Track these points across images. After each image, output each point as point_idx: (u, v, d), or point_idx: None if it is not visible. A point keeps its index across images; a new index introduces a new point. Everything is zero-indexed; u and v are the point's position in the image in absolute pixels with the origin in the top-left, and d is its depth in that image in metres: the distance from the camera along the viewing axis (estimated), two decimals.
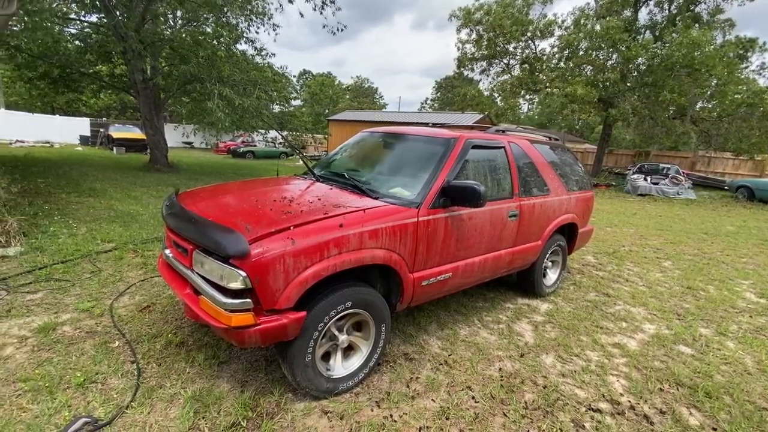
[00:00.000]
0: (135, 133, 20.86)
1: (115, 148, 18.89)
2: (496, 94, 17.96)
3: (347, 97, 57.02)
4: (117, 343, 2.70)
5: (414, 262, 2.52)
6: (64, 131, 22.21)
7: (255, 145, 23.98)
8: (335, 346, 2.37)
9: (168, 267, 2.42)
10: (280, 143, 26.36)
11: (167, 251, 2.34)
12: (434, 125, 3.73)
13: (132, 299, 3.34)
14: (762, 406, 2.50)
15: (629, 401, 2.49)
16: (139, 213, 6.16)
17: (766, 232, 8.54)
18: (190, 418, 2.06)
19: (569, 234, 4.25)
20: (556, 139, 4.24)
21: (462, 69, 18.22)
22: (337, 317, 2.22)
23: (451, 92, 59.66)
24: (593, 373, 2.77)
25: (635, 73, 13.78)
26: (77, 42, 11.21)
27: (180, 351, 2.66)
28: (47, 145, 19.22)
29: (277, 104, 11.43)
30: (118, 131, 20.38)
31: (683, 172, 14.84)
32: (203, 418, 2.09)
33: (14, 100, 20.58)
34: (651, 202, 13.06)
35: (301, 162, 23.01)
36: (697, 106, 16.02)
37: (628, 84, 13.32)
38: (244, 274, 1.84)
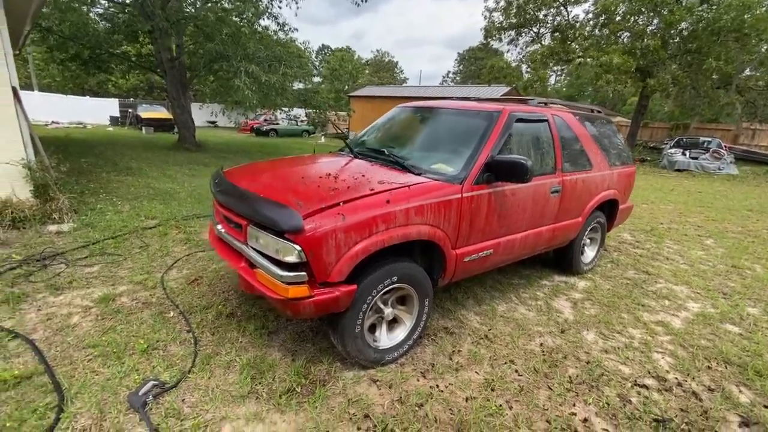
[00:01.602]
0: (162, 112, 21.28)
1: (143, 128, 19.36)
2: (524, 66, 17.18)
3: (367, 72, 55.92)
4: (172, 313, 2.86)
5: (457, 238, 2.52)
6: (95, 112, 22.86)
7: (277, 123, 24.10)
8: (381, 318, 2.43)
9: (220, 241, 2.51)
10: (302, 121, 26.41)
11: (219, 227, 2.42)
12: (457, 99, 3.65)
13: (180, 273, 3.50)
14: None
15: (676, 378, 2.47)
16: (176, 191, 6.36)
17: None
18: (248, 383, 2.18)
19: (609, 210, 4.13)
20: (599, 111, 4.05)
21: (489, 39, 17.46)
22: (383, 291, 2.26)
23: (474, 64, 57.51)
24: (637, 350, 2.75)
25: (677, 39, 12.84)
26: (105, 22, 11.36)
27: (231, 321, 2.80)
28: (80, 126, 19.88)
29: (300, 81, 11.33)
30: (146, 111, 20.84)
31: (725, 146, 14.00)
32: (260, 383, 2.21)
33: (47, 82, 21.25)
34: (689, 178, 12.46)
35: (323, 140, 23.06)
36: (744, 74, 14.90)
37: (669, 51, 12.43)
38: (298, 248, 1.88)
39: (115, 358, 2.34)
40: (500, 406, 2.14)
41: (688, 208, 7.76)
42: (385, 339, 2.45)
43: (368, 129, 3.69)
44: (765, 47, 12.25)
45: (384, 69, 58.49)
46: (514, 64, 17.90)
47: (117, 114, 23.56)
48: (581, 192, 3.45)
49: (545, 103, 3.41)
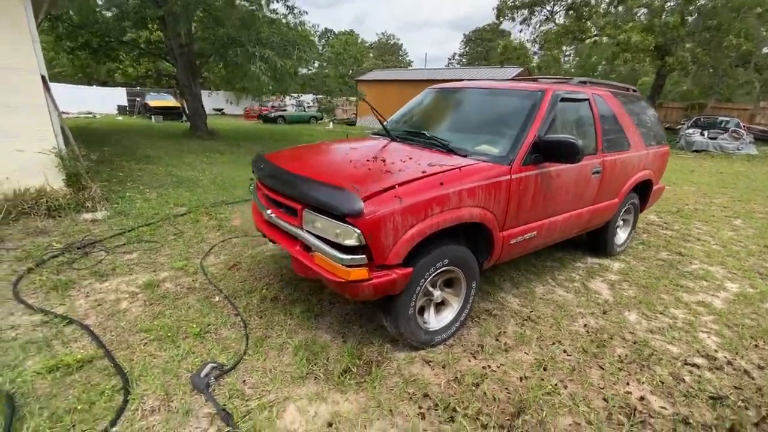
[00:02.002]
0: (170, 100, 21.20)
1: (152, 117, 19.34)
2: (537, 46, 16.76)
3: (371, 55, 55.07)
4: (217, 298, 2.89)
5: (505, 220, 2.51)
6: (103, 101, 22.82)
7: (285, 110, 23.94)
8: (429, 301, 2.45)
9: (269, 225, 2.51)
10: (309, 107, 26.19)
11: (268, 212, 2.42)
12: (468, 80, 3.60)
13: (218, 258, 3.54)
14: None
15: (725, 357, 2.47)
16: (198, 179, 6.38)
17: None
18: (305, 365, 2.22)
19: (642, 191, 4.07)
20: (635, 90, 3.96)
21: (501, 18, 17.00)
22: (435, 273, 2.26)
23: (481, 46, 56.32)
24: (682, 330, 2.75)
25: (696, 16, 12.42)
26: (113, 9, 11.23)
27: (276, 305, 2.83)
28: (90, 115, 19.90)
29: (311, 66, 11.17)
30: (154, 99, 20.78)
31: (743, 126, 13.68)
32: (315, 364, 2.24)
33: (57, 71, 21.18)
34: (708, 159, 12.24)
35: (331, 126, 22.90)
36: (763, 51, 14.42)
37: (687, 29, 12.04)
38: (358, 231, 1.88)
39: (170, 341, 2.38)
40: (555, 385, 2.15)
41: (712, 189, 7.64)
42: (434, 321, 2.46)
43: (402, 112, 3.64)
44: None
45: (389, 52, 57.54)
46: (528, 44, 17.49)
47: (125, 103, 23.53)
48: (620, 173, 3.40)
49: (585, 82, 3.33)
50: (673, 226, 5.14)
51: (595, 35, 14.40)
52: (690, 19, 12.13)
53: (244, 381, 2.10)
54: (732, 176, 9.24)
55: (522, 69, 17.85)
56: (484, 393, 2.07)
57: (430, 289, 2.39)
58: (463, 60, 59.94)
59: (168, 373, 2.13)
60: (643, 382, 2.21)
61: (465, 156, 2.52)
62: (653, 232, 4.90)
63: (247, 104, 25.23)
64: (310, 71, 10.80)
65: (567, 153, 2.39)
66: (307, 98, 25.74)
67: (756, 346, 2.59)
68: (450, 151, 2.60)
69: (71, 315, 2.59)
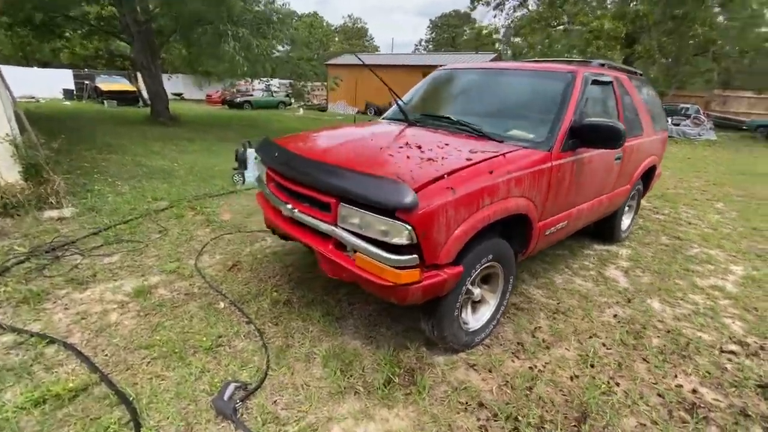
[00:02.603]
0: (124, 84, 19.58)
1: (105, 102, 17.77)
2: (504, 32, 16.77)
3: (337, 39, 53.57)
4: (222, 304, 2.57)
5: (543, 210, 2.35)
6: (45, 84, 20.64)
7: (251, 95, 22.77)
8: (467, 299, 2.27)
9: (289, 222, 2.21)
10: (277, 91, 25.07)
11: (288, 206, 2.12)
12: (441, 67, 3.46)
13: (213, 258, 3.18)
14: None
15: (756, 342, 2.48)
16: (173, 169, 5.83)
17: None
18: (340, 377, 1.98)
19: (645, 176, 4.07)
20: (641, 75, 3.91)
21: (476, 3, 16.80)
22: (479, 270, 2.08)
23: (448, 32, 56.26)
24: (706, 316, 2.74)
25: (663, 4, 12.85)
26: None
27: (290, 309, 2.55)
28: (32, 100, 17.95)
29: (284, 47, 10.48)
30: (105, 83, 19.10)
31: (703, 112, 14.47)
32: (351, 376, 2.01)
33: None
34: (672, 144, 12.82)
35: (302, 111, 22.10)
36: (719, 42, 15.21)
37: (656, 17, 12.47)
38: (410, 227, 1.65)
39: (178, 359, 2.07)
40: (607, 383, 2.05)
41: (685, 174, 7.97)
42: (472, 320, 2.29)
43: (411, 95, 3.38)
44: (748, 11, 12.45)
45: (355, 36, 56.18)
46: (503, 30, 17.51)
47: (71, 86, 21.45)
48: (635, 158, 3.35)
49: (603, 64, 3.21)
50: (663, 211, 5.27)
51: (567, 22, 14.61)
52: (657, 8, 12.55)
53: (275, 401, 1.84)
54: (700, 161, 9.72)
55: (495, 55, 17.90)
56: (540, 397, 1.93)
57: (470, 287, 2.20)
58: (430, 46, 59.67)
59: (183, 398, 1.83)
60: (689, 374, 2.16)
61: (501, 142, 2.32)
62: (646, 216, 4.99)
63: (213, 89, 23.84)
64: (283, 53, 10.12)
65: (609, 138, 2.26)
66: (274, 82, 24.62)
67: None
68: (484, 136, 2.40)
69: (51, 333, 2.20)
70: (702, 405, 1.94)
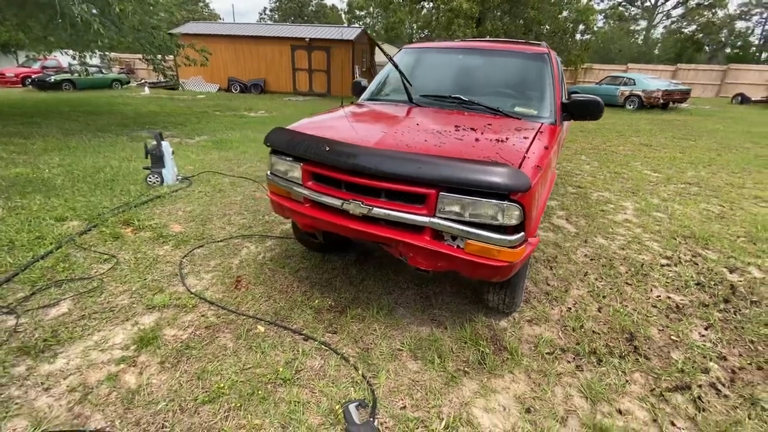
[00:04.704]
0: None
1: None
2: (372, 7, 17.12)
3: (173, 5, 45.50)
4: (261, 328, 2.23)
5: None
6: None
7: (71, 73, 17.80)
8: None
9: (355, 221, 2.01)
10: (101, 67, 20.22)
11: (350, 205, 1.93)
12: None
13: (202, 279, 2.65)
14: (739, 234, 3.75)
15: (674, 254, 3.42)
16: (46, 177, 4.32)
17: (617, 127, 11.29)
18: (440, 365, 2.01)
19: None
20: None
21: None
22: None
23: (293, 1, 53.74)
24: (636, 242, 3.63)
25: None
26: None
27: (337, 314, 2.38)
28: None
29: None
30: None
31: None
32: (449, 360, 2.06)
33: None
34: None
35: (147, 91, 18.52)
36: (543, 25, 18.59)
37: (497, 1, 14.55)
38: (521, 207, 1.76)
39: (261, 400, 1.77)
40: (622, 307, 2.59)
41: None
42: None
43: (383, 77, 3.30)
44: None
45: (190, 1, 48.58)
46: (366, 3, 17.64)
47: None
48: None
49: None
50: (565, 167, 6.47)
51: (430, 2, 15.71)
52: None
53: (403, 406, 1.78)
54: None
55: (361, 29, 18.12)
56: (593, 331, 2.34)
57: None
58: (275, 16, 56.15)
59: (298, 427, 1.60)
60: (658, 287, 2.89)
61: (519, 119, 2.55)
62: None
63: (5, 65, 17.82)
64: (136, 19, 8.06)
65: (594, 111, 2.70)
66: (96, 59, 19.74)
67: (679, 243, 3.66)
68: (501, 114, 2.58)
69: (55, 429, 1.58)
70: (680, 305, 2.65)
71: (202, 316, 2.29)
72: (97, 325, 2.15)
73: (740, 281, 2.98)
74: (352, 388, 1.85)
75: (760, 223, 4.08)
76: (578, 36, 17.70)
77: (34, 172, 4.48)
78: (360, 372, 1.95)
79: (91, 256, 2.78)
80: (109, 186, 4.19)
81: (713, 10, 36.06)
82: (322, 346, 2.11)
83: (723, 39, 37.81)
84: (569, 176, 5.85)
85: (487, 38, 3.86)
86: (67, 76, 17.32)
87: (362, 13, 17.86)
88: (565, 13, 17.97)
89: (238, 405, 1.73)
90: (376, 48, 3.38)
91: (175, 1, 10.95)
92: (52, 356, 1.93)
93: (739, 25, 38.35)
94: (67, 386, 1.77)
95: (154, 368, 1.91)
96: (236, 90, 19.35)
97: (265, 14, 58.58)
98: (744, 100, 18.70)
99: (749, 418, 1.79)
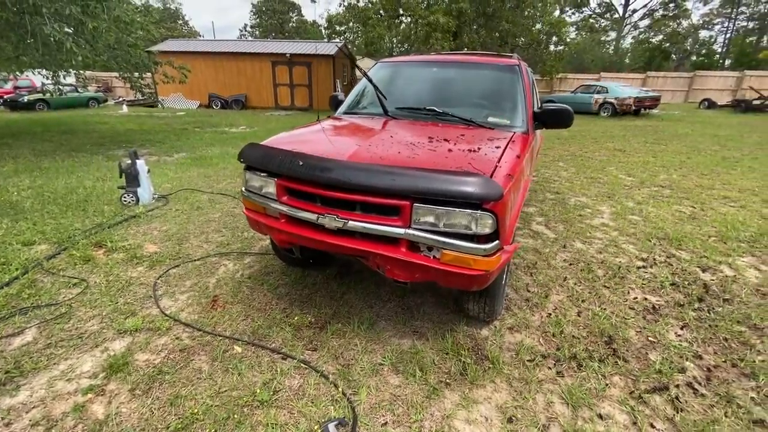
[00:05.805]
0: None
1: None
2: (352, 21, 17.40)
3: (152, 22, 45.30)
4: (237, 348, 2.17)
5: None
6: None
7: (43, 93, 17.40)
8: None
9: (331, 235, 1.99)
10: (75, 86, 19.85)
11: (326, 219, 1.92)
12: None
13: (176, 301, 2.57)
14: (710, 234, 3.86)
15: (648, 256, 3.50)
16: (14, 200, 4.17)
17: (592, 134, 11.62)
18: (421, 378, 1.99)
19: None
20: None
21: None
22: None
23: (274, 18, 54.23)
24: (612, 245, 3.70)
25: (476, 2, 15.46)
26: None
27: (317, 331, 2.34)
28: None
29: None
30: None
31: None
32: (430, 372, 2.03)
33: None
34: None
35: (125, 109, 18.24)
36: (518, 38, 19.20)
37: (472, 14, 14.97)
38: (494, 216, 1.77)
39: (237, 424, 1.71)
40: (597, 313, 2.63)
41: None
42: None
43: (359, 92, 3.33)
44: (530, 11, 16.09)
45: (170, 18, 48.49)
46: (345, 19, 17.89)
47: None
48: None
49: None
50: (544, 174, 6.60)
51: (402, 15, 16.05)
52: (472, 6, 15.06)
53: (385, 423, 1.75)
54: None
55: (342, 44, 18.34)
56: (573, 336, 2.35)
57: None
58: (256, 32, 56.49)
59: None
60: (635, 288, 2.94)
61: (492, 129, 2.60)
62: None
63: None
64: (113, 38, 7.96)
65: (565, 119, 2.77)
66: (71, 78, 19.36)
67: (654, 244, 3.75)
68: (474, 124, 2.63)
69: None
70: (656, 306, 2.70)
71: (177, 338, 2.22)
72: (64, 354, 2.06)
73: (713, 280, 3.06)
74: (332, 407, 1.81)
75: (729, 222, 4.22)
76: (552, 47, 18.29)
77: (1, 195, 4.33)
78: (340, 389, 1.91)
79: (59, 280, 2.67)
80: (82, 207, 4.07)
81: (678, 21, 37.91)
82: (302, 365, 2.06)
83: (688, 47, 39.72)
84: (548, 182, 5.96)
85: (464, 51, 3.94)
86: (41, 96, 16.94)
87: (342, 28, 18.06)
88: (538, 26, 18.59)
89: (213, 430, 1.67)
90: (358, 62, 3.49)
91: (152, 19, 10.91)
92: (14, 389, 1.83)
93: (703, 34, 40.51)
94: (30, 420, 1.68)
95: (123, 396, 1.83)
96: (217, 106, 19.27)
97: (245, 31, 58.89)
98: (711, 105, 19.52)
99: (726, 416, 1.81)
